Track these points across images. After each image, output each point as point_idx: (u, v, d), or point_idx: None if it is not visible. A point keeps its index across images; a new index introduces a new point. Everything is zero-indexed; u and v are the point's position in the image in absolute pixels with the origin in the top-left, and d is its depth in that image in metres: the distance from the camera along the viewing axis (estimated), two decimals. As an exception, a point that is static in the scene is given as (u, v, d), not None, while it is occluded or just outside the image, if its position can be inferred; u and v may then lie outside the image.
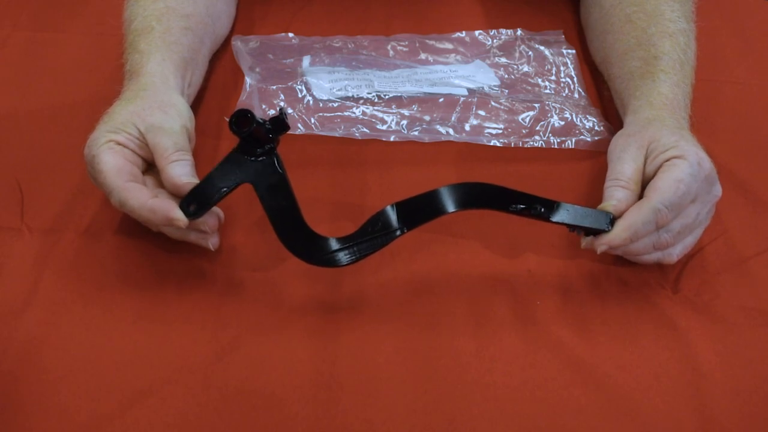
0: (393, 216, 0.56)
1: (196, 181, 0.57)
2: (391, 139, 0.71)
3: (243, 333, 0.56)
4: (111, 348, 0.55)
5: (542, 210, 0.57)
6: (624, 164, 0.60)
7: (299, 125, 0.71)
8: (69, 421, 0.51)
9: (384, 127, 0.72)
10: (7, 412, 0.51)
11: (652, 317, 0.58)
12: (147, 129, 0.59)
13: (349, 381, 0.54)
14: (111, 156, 0.57)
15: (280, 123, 0.55)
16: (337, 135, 0.71)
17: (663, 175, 0.57)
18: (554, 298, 0.59)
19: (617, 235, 0.56)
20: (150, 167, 0.60)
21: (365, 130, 0.72)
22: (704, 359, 0.56)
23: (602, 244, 0.56)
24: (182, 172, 0.57)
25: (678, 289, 0.60)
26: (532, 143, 0.71)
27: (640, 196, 0.58)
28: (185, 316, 0.57)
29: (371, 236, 0.56)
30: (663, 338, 0.57)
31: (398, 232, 0.56)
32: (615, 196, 0.58)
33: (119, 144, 0.58)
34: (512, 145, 0.71)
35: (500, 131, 0.72)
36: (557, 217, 0.57)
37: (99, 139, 0.58)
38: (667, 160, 0.58)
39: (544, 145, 0.71)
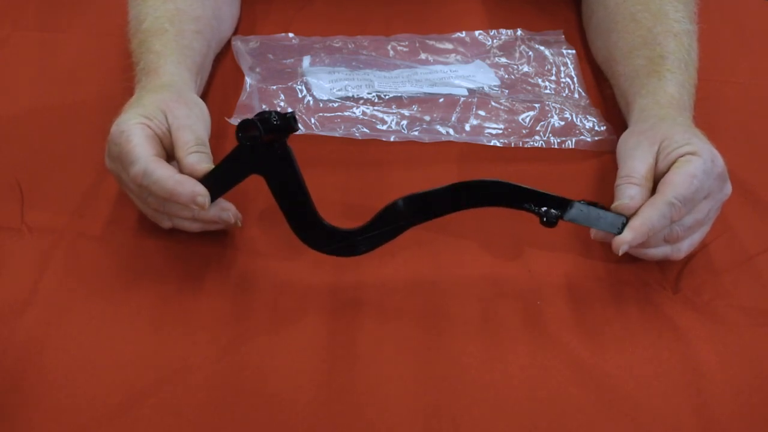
0: (403, 209, 0.57)
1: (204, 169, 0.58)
2: (391, 139, 0.71)
3: (243, 333, 0.56)
4: (111, 348, 0.55)
5: (554, 212, 0.57)
6: (636, 161, 0.59)
7: (299, 125, 0.71)
8: (69, 421, 0.51)
9: (384, 127, 0.72)
10: (7, 412, 0.51)
11: (652, 317, 0.58)
12: (172, 119, 0.59)
13: (350, 381, 0.54)
14: (143, 131, 0.58)
15: (287, 124, 0.55)
16: (337, 135, 0.71)
17: (677, 170, 0.57)
18: (555, 298, 0.59)
19: (636, 231, 0.55)
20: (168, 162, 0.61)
21: (365, 130, 0.72)
22: (704, 359, 0.56)
23: (623, 243, 0.55)
24: (200, 160, 0.58)
25: (678, 289, 0.60)
26: (532, 143, 0.71)
27: (653, 193, 0.58)
28: (185, 316, 0.57)
29: (382, 227, 0.57)
30: (663, 338, 0.57)
31: (409, 225, 0.57)
32: (627, 193, 0.57)
33: (151, 129, 0.58)
34: (512, 145, 0.71)
35: (500, 131, 0.72)
36: (569, 216, 0.57)
37: (131, 119, 0.58)
38: (681, 156, 0.58)
39: (544, 145, 0.71)
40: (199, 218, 0.59)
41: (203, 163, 0.58)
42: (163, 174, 0.56)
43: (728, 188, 0.60)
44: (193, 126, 0.60)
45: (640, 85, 0.68)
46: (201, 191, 0.56)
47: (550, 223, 0.57)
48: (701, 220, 0.58)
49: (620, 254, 0.56)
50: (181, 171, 0.58)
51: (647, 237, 0.56)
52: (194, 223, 0.60)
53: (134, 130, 0.57)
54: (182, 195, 0.56)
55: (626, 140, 0.63)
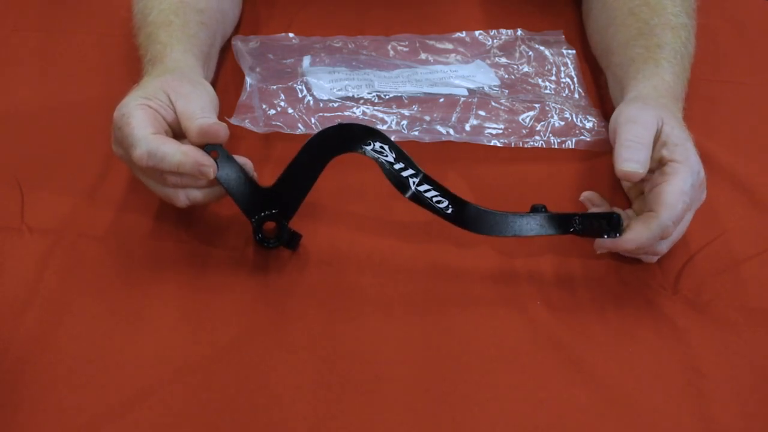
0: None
1: (223, 124, 0.58)
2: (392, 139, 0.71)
3: (243, 333, 0.56)
4: (111, 347, 0.55)
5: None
6: (647, 124, 0.59)
7: (299, 125, 0.71)
8: (69, 421, 0.51)
9: (384, 127, 0.72)
10: (7, 411, 0.51)
11: (652, 317, 0.58)
12: (176, 97, 0.59)
13: (350, 381, 0.54)
14: (143, 112, 0.57)
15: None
16: (337, 135, 0.71)
17: (668, 188, 0.57)
18: (555, 299, 0.59)
19: (622, 245, 0.58)
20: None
21: (365, 130, 0.71)
22: (704, 359, 0.56)
23: (605, 249, 0.60)
24: (210, 120, 0.58)
25: (678, 289, 0.60)
26: (532, 143, 0.71)
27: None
28: (185, 316, 0.57)
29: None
30: (663, 338, 0.57)
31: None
32: (635, 158, 0.57)
33: (151, 108, 0.58)
34: (512, 145, 0.71)
35: (500, 131, 0.72)
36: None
37: (131, 102, 0.58)
38: (671, 161, 0.58)
39: (544, 145, 0.71)
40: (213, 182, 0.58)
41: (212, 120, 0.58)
42: (169, 149, 0.55)
43: (704, 194, 0.61)
44: (197, 100, 0.59)
45: (636, 70, 0.68)
46: (206, 161, 0.56)
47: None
48: (681, 231, 0.60)
49: (598, 253, 0.60)
50: (191, 140, 0.57)
51: (631, 252, 0.59)
52: (211, 192, 0.59)
53: (133, 112, 0.57)
54: (186, 164, 0.55)
55: (625, 111, 0.62)
